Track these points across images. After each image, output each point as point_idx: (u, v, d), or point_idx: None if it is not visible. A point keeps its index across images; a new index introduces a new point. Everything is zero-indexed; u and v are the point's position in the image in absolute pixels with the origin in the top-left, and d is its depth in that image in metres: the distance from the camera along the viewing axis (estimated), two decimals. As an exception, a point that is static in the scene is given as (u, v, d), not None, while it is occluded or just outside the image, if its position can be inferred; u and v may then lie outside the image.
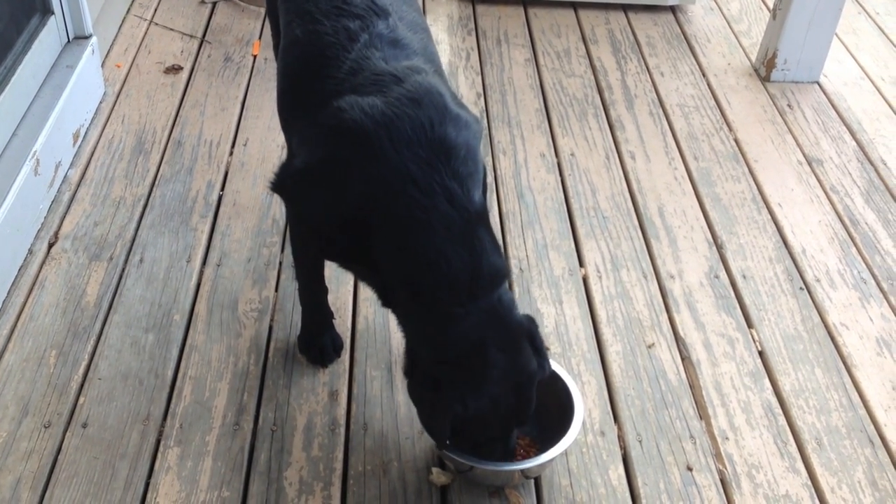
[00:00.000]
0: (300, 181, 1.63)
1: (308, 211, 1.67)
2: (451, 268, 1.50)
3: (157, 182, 2.44)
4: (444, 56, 3.11)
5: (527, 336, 1.59)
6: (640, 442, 1.84)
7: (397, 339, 2.01)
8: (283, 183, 1.68)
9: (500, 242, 2.29)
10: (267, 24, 2.95)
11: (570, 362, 1.99)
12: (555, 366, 1.79)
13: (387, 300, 1.64)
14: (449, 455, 1.66)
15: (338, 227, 1.59)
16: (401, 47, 1.66)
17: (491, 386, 1.53)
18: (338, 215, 1.57)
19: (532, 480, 1.75)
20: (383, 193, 1.51)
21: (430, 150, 1.51)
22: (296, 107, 1.73)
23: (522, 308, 2.09)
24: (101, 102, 2.73)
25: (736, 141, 2.79)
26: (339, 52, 1.65)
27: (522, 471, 1.70)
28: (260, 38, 3.11)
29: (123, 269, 2.15)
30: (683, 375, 1.99)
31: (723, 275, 2.27)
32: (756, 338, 2.10)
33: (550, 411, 1.78)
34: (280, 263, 2.20)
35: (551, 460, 1.66)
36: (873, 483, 1.80)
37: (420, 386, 1.58)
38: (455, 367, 1.53)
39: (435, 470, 1.74)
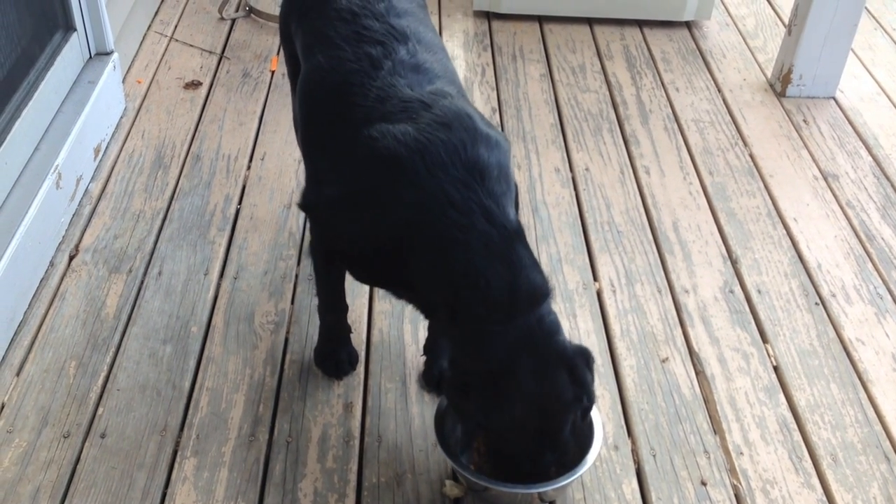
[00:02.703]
0: (335, 209, 1.65)
1: (341, 238, 1.68)
2: (489, 285, 1.51)
3: (175, 196, 2.47)
4: (460, 71, 3.14)
5: (567, 365, 1.55)
6: (653, 456, 1.84)
7: (412, 351, 2.02)
8: (314, 207, 1.70)
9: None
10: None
11: (583, 376, 2.00)
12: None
13: (428, 314, 1.67)
14: (464, 475, 1.67)
15: (373, 253, 1.61)
16: (423, 72, 1.69)
17: (514, 407, 1.52)
18: (374, 242, 1.59)
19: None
20: (422, 217, 1.52)
21: (465, 171, 1.52)
22: (322, 134, 1.73)
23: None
24: (121, 117, 2.77)
25: (751, 156, 2.79)
26: (363, 80, 1.67)
27: (539, 493, 1.70)
28: (278, 53, 3.15)
29: (142, 282, 2.18)
30: (698, 390, 1.99)
31: (737, 289, 2.27)
32: (771, 353, 2.10)
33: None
34: (296, 276, 2.22)
35: (569, 483, 1.66)
36: (889, 499, 1.79)
37: (452, 387, 1.60)
38: (484, 381, 1.53)
39: (448, 482, 1.75)
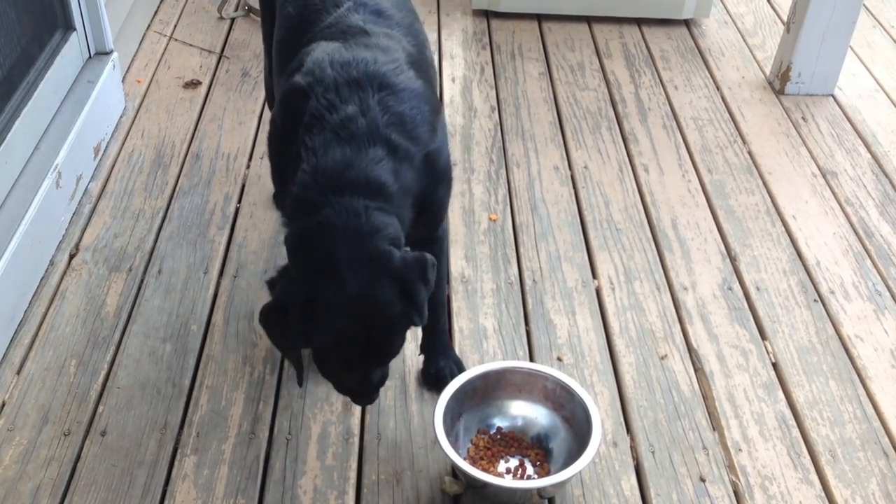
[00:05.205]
0: (270, 128, 1.69)
1: (272, 152, 1.71)
2: (326, 157, 1.48)
3: (175, 195, 2.47)
4: (459, 70, 3.14)
5: (391, 271, 1.45)
6: (652, 453, 1.84)
7: (411, 349, 2.02)
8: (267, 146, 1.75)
9: (514, 254, 2.32)
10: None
11: (582, 373, 2.00)
12: (571, 381, 1.80)
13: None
14: (463, 471, 1.67)
15: (285, 157, 1.61)
16: (384, 17, 1.74)
17: (335, 321, 1.44)
18: (286, 141, 1.61)
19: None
20: (311, 103, 1.55)
21: (366, 76, 1.55)
22: (280, 72, 1.81)
23: (535, 319, 2.12)
24: (121, 117, 2.78)
25: (750, 153, 2.80)
26: (321, 16, 1.74)
27: (538, 490, 1.70)
28: (277, 53, 3.16)
29: (142, 280, 2.19)
30: (696, 387, 1.99)
31: (736, 287, 2.27)
32: (770, 349, 2.10)
33: (568, 427, 1.80)
34: (296, 275, 2.22)
35: (568, 479, 1.67)
36: (887, 495, 1.79)
37: (268, 313, 1.51)
38: (304, 287, 1.45)
39: (447, 479, 1.75)
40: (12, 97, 2.22)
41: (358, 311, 1.45)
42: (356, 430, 1.85)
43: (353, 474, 1.77)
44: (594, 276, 2.29)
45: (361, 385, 1.59)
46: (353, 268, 1.44)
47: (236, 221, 2.39)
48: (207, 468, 1.76)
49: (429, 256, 1.52)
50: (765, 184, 2.66)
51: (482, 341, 2.06)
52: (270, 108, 2.31)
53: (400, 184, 1.51)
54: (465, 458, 1.75)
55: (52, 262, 2.22)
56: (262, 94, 2.93)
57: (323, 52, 1.61)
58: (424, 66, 1.75)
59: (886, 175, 2.74)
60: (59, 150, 2.29)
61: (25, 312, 2.08)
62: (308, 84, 1.57)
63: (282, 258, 2.26)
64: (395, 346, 1.54)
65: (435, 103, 1.65)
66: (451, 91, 3.02)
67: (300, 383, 1.60)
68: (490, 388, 1.84)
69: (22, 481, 1.72)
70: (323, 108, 1.53)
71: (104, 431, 1.82)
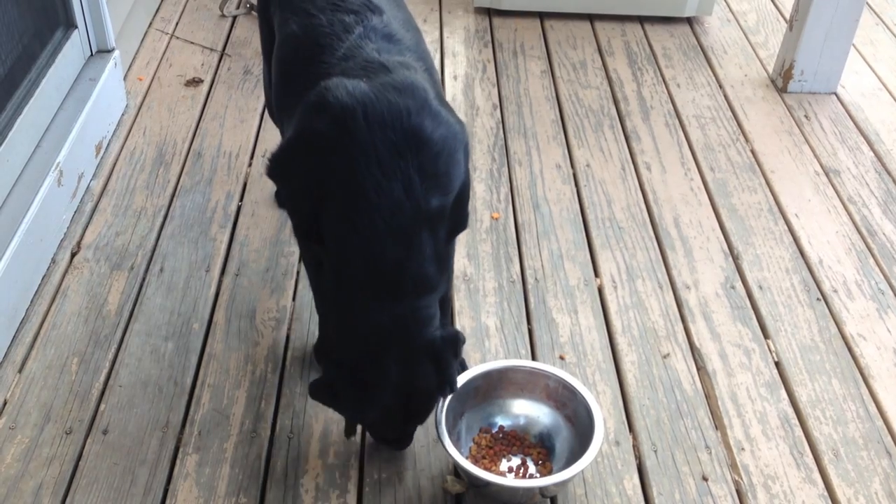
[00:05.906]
0: (281, 156, 1.66)
1: (288, 184, 1.68)
2: (381, 258, 1.53)
3: (177, 193, 2.47)
4: (461, 68, 3.14)
5: (432, 354, 1.61)
6: (655, 452, 1.84)
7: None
8: (270, 165, 1.71)
9: (516, 252, 2.32)
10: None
11: (584, 372, 2.00)
12: (573, 380, 1.80)
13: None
14: (465, 470, 1.67)
15: (309, 200, 1.60)
16: (394, 42, 1.72)
17: (381, 401, 1.61)
18: (309, 186, 1.59)
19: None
20: (347, 165, 1.53)
21: (403, 136, 1.53)
22: (288, 93, 1.78)
23: (538, 318, 2.12)
24: (123, 115, 2.77)
25: (752, 152, 2.79)
26: (333, 42, 1.71)
27: (540, 489, 1.70)
28: (279, 50, 3.15)
29: (144, 279, 2.19)
30: (699, 385, 1.99)
31: (739, 285, 2.27)
32: (772, 348, 2.10)
33: (570, 426, 1.79)
34: (297, 273, 2.22)
35: (570, 478, 1.66)
36: (890, 494, 1.79)
37: (321, 392, 1.67)
38: (352, 374, 1.60)
39: (449, 478, 1.75)
40: (14, 95, 2.22)
41: (401, 394, 1.62)
42: (358, 429, 1.85)
43: (354, 473, 1.77)
44: (596, 274, 2.28)
45: (402, 438, 1.77)
46: (400, 363, 1.59)
47: (238, 220, 2.39)
48: (209, 467, 1.76)
49: (461, 335, 1.67)
50: (767, 182, 2.66)
51: (484, 340, 2.06)
52: (272, 116, 2.27)
53: (440, 258, 1.59)
54: (467, 457, 1.74)
55: (53, 261, 2.22)
56: (263, 91, 2.92)
57: (348, 94, 1.54)
58: (438, 86, 1.75)
59: (889, 173, 2.73)
60: (60, 149, 2.29)
61: (27, 311, 2.08)
62: (339, 136, 1.53)
63: (284, 256, 2.27)
64: (432, 409, 1.71)
65: (463, 135, 1.64)
66: (452, 89, 3.01)
67: (348, 435, 1.78)
68: (492, 387, 1.84)
69: (24, 480, 1.72)
70: (369, 187, 1.51)
71: (106, 430, 1.82)
